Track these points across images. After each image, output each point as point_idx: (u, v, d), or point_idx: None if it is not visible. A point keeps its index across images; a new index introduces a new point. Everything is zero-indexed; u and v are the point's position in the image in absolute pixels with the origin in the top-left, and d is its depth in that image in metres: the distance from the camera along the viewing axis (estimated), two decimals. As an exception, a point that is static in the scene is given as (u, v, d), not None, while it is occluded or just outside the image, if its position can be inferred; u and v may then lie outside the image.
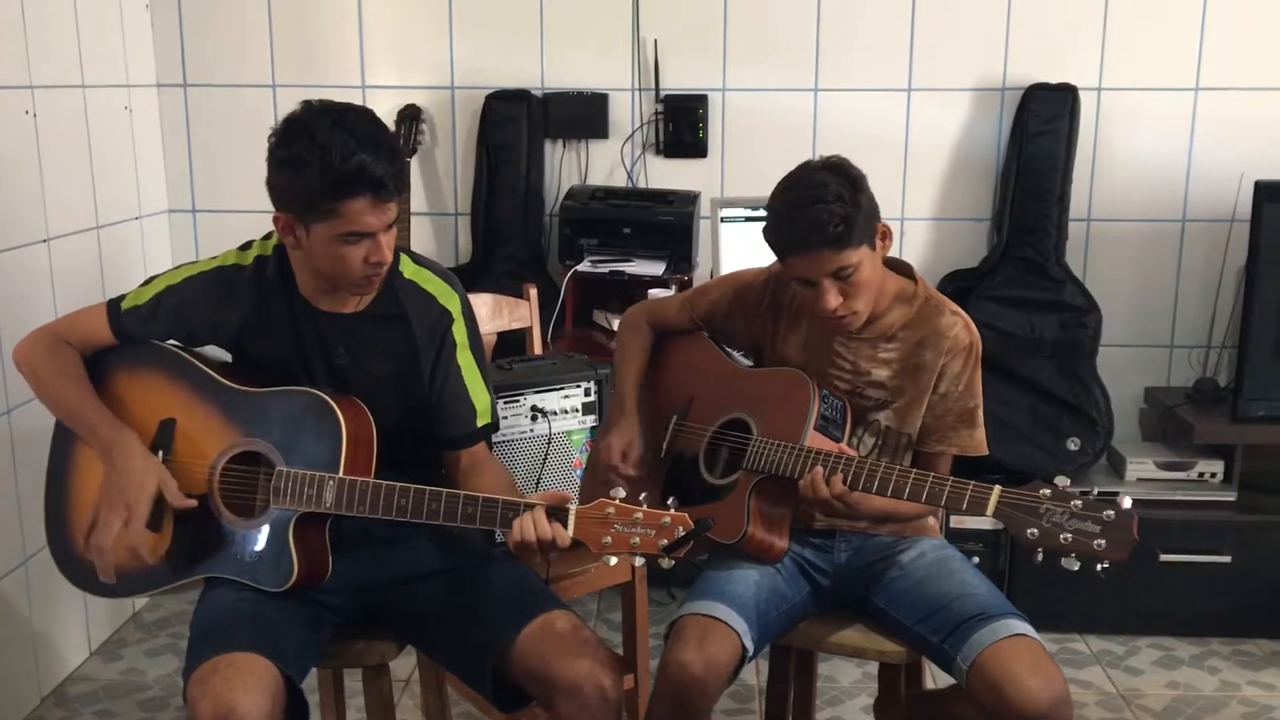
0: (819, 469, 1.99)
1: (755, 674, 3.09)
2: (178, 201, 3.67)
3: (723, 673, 1.99)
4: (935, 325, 2.15)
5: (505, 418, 2.44)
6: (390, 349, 2.09)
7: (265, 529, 1.99)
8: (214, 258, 2.11)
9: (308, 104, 1.95)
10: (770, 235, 2.06)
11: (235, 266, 2.08)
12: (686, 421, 2.27)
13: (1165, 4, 3.43)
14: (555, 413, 2.51)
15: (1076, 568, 1.77)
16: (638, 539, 1.82)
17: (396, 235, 2.00)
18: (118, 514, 2.00)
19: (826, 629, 2.20)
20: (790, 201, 2.02)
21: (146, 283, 2.12)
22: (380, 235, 1.94)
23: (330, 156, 1.86)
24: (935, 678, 2.53)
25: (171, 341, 2.13)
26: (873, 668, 2.40)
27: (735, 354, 2.35)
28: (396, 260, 2.09)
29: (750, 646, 2.03)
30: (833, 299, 2.04)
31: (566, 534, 1.86)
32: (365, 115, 1.95)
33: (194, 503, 2.02)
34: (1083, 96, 3.43)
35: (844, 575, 2.21)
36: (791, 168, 2.09)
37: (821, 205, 1.98)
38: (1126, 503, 1.76)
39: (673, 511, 1.82)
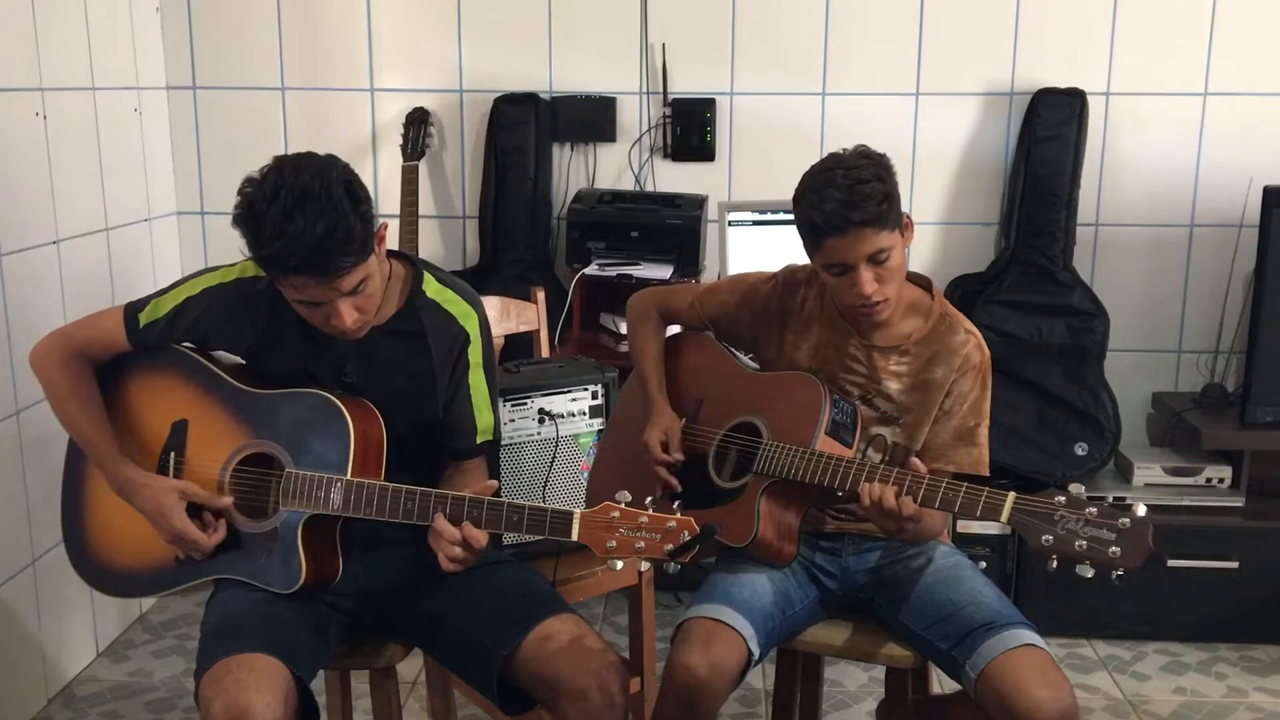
0: (877, 484, 1.94)
1: (762, 677, 3.09)
2: (186, 204, 3.68)
3: (728, 676, 1.98)
4: (948, 342, 2.14)
5: (512, 420, 2.44)
6: (404, 365, 2.07)
7: (275, 530, 2.00)
8: (233, 266, 2.08)
9: (278, 160, 1.87)
10: (809, 217, 2.01)
11: (254, 278, 2.05)
12: (696, 424, 2.27)
13: (1174, 8, 3.43)
14: (562, 415, 2.51)
15: (1090, 575, 1.77)
16: (643, 543, 1.80)
17: (370, 293, 1.92)
18: (182, 547, 2.03)
19: (834, 633, 2.20)
20: (829, 181, 1.99)
21: (164, 292, 2.10)
22: (337, 302, 1.89)
23: (262, 232, 1.81)
24: (942, 683, 2.53)
25: (185, 344, 2.13)
26: (879, 672, 2.39)
27: (742, 356, 2.35)
28: (420, 279, 2.09)
29: (756, 650, 2.02)
30: (869, 284, 2.02)
31: (479, 533, 1.88)
32: (320, 181, 1.82)
33: (229, 500, 2.03)
34: (1091, 101, 3.42)
35: (852, 579, 2.21)
36: (799, 171, 2.08)
37: (863, 184, 1.97)
38: (1141, 510, 1.75)
39: (679, 515, 1.81)
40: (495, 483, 1.97)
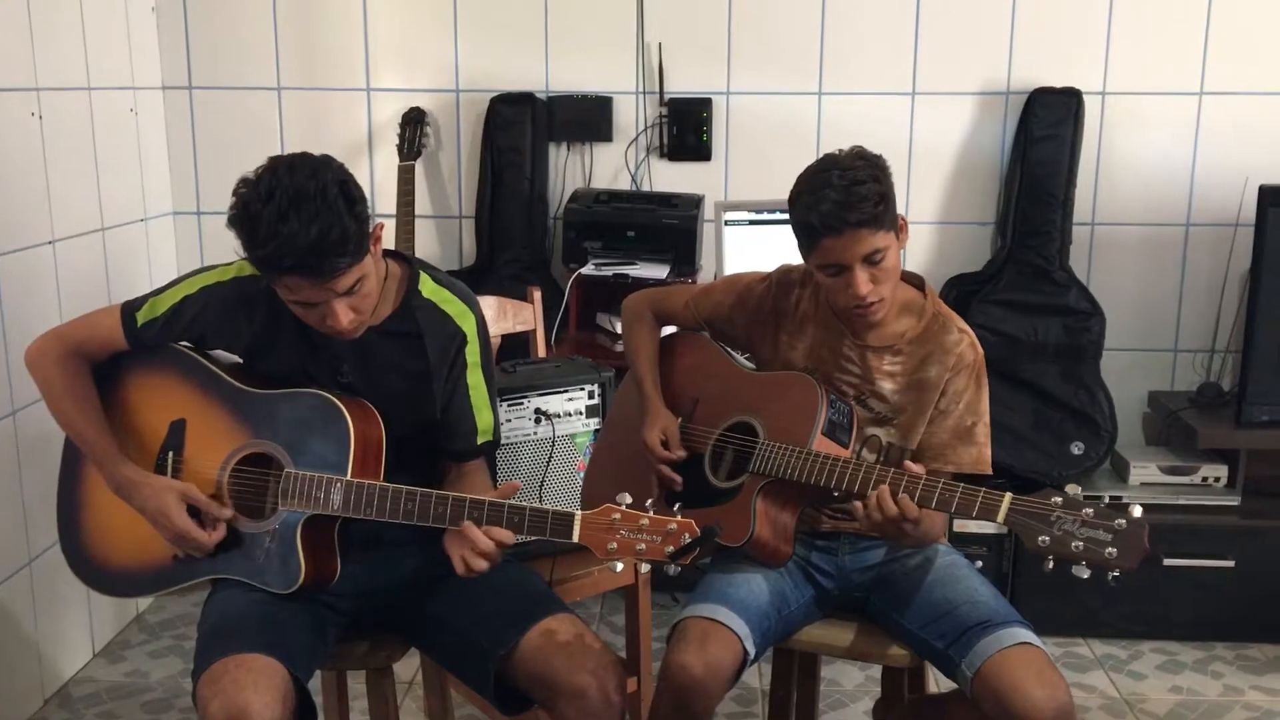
0: (873, 496, 1.95)
1: (758, 677, 3.09)
2: (182, 204, 3.68)
3: (724, 675, 1.99)
4: (941, 342, 2.14)
5: (509, 420, 2.44)
6: (401, 366, 2.06)
7: (274, 530, 2.00)
8: (230, 265, 2.07)
9: (273, 160, 1.87)
10: (805, 218, 2.01)
11: (251, 278, 2.03)
12: (692, 424, 2.27)
13: (1170, 8, 3.44)
14: (559, 415, 2.51)
15: (1087, 575, 1.77)
16: (643, 545, 1.80)
17: (365, 293, 1.91)
18: (183, 547, 2.03)
19: (830, 632, 2.20)
20: (825, 182, 1.99)
21: (161, 291, 2.09)
22: (332, 302, 1.88)
23: (256, 233, 1.81)
24: (938, 682, 2.53)
25: (183, 343, 2.13)
26: (876, 671, 2.40)
27: (738, 356, 2.35)
28: (416, 279, 2.08)
29: (752, 650, 2.03)
30: (864, 284, 2.02)
31: (508, 535, 1.87)
32: (314, 182, 1.82)
33: (230, 513, 2.02)
34: (1087, 100, 3.43)
35: (848, 579, 2.21)
36: (795, 171, 2.09)
37: (859, 185, 1.98)
38: (1137, 511, 1.75)
39: (679, 517, 1.81)
40: (518, 483, 1.96)
